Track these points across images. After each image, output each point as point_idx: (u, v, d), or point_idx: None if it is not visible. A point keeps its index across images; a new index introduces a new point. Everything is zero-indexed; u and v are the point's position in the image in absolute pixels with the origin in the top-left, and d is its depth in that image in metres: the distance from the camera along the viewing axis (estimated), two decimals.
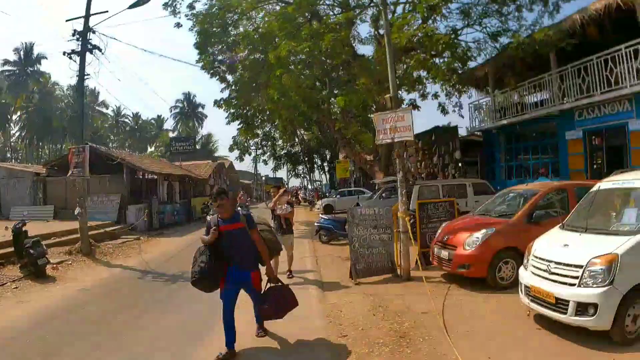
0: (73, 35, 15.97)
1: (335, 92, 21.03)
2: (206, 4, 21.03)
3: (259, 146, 50.06)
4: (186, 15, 21.24)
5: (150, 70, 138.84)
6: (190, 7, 20.91)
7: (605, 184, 6.82)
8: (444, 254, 8.70)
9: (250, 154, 49.04)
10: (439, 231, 9.48)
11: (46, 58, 62.66)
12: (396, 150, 9.68)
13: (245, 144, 47.44)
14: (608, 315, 5.15)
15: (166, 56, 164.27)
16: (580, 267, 5.41)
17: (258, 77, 20.14)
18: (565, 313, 5.45)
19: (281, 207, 10.16)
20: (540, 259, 6.10)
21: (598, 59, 14.58)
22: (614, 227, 6.00)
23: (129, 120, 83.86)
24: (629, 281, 5.21)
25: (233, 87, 23.28)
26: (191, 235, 21.21)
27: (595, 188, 6.90)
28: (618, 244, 5.38)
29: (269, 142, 50.26)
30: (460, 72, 19.28)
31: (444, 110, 23.14)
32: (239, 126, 25.98)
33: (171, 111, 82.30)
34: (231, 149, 49.04)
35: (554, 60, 16.96)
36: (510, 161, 21.53)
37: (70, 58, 16.27)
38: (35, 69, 61.12)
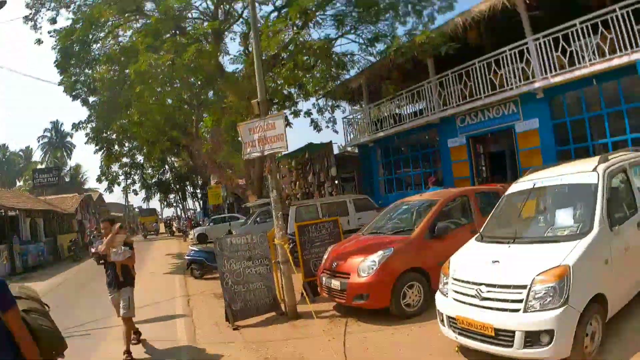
0: None
1: (204, 115, 19.77)
2: (69, 19, 18.04)
3: (128, 175, 46.52)
4: (48, 32, 17.98)
5: (17, 94, 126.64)
6: (52, 21, 17.85)
7: (520, 184, 5.78)
8: (335, 283, 7.08)
9: (119, 184, 45.71)
10: (326, 256, 7.89)
11: None
12: (267, 165, 8.03)
13: (114, 174, 44.48)
14: (566, 341, 4.03)
15: (30, 75, 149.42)
16: (523, 287, 4.21)
17: (118, 95, 17.81)
18: (511, 346, 4.19)
19: (116, 250, 6.89)
20: (464, 282, 4.75)
21: (480, 62, 14.19)
22: (550, 233, 4.92)
23: None
24: (585, 295, 4.18)
25: (92, 110, 20.42)
26: (56, 277, 18.40)
27: (510, 190, 5.84)
28: (564, 253, 4.27)
29: (138, 171, 47.09)
30: (335, 79, 18.52)
31: (317, 127, 21.99)
32: (101, 152, 23.07)
33: (39, 141, 74.60)
34: (99, 180, 45.08)
35: (432, 67, 16.51)
36: (389, 174, 20.82)
37: None
38: None
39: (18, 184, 71.09)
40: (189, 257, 13.68)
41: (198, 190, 51.13)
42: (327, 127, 23.18)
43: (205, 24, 17.56)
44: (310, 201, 17.75)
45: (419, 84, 17.13)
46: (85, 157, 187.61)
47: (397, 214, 8.66)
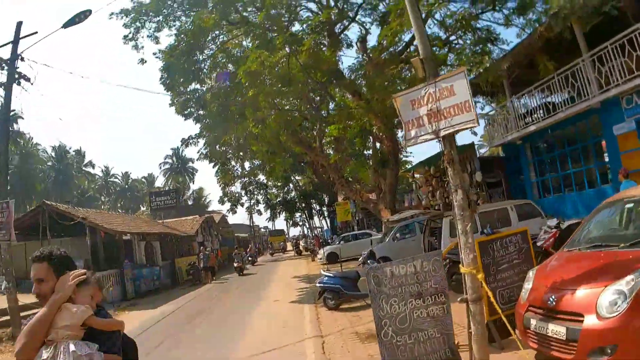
0: None
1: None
2: (171, 35, 17.44)
3: (251, 194, 46.72)
4: (154, 54, 17.47)
5: (136, 125, 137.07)
6: (155, 40, 17.19)
7: None
8: (556, 329, 4.59)
9: (242, 205, 46.14)
10: (529, 286, 5.42)
11: (22, 118, 59.52)
12: (446, 152, 5.14)
13: (236, 195, 45.00)
14: None
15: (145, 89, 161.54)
16: None
17: (230, 104, 16.90)
18: None
19: (77, 309, 2.69)
20: None
21: None
22: None
23: (119, 179, 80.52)
24: None
25: (202, 122, 19.61)
26: (167, 305, 17.48)
27: None
28: None
29: (261, 190, 47.17)
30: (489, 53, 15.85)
31: None
32: (216, 169, 22.39)
33: (160, 168, 79.22)
34: (221, 201, 46.27)
35: (584, 42, 13.59)
36: (542, 175, 17.99)
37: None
38: (13, 129, 57.30)
39: (142, 208, 75.26)
40: (321, 285, 11.80)
41: (324, 208, 50.20)
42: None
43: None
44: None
45: (572, 64, 14.07)
46: (208, 181, 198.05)
47: (622, 217, 5.84)
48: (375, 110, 15.48)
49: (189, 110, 18.62)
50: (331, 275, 11.90)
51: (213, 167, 22.22)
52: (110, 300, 18.49)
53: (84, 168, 70.26)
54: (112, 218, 24.39)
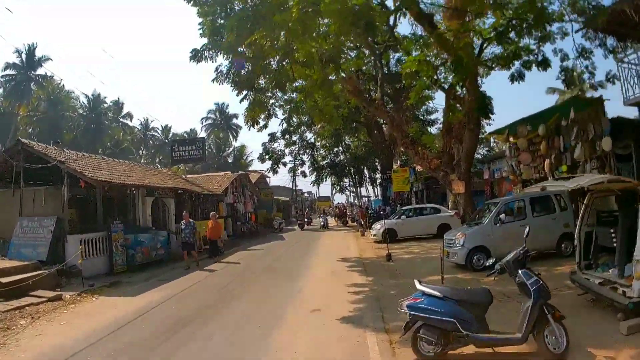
0: None
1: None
2: None
3: (297, 153, 41.44)
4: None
5: (178, 79, 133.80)
6: None
7: None
8: None
9: (285, 165, 41.01)
10: None
11: (50, 59, 55.07)
12: None
13: (279, 152, 39.69)
14: None
15: None
16: None
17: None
18: None
19: None
20: None
21: None
22: None
23: (159, 133, 76.20)
24: None
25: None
26: (158, 290, 12.37)
27: None
28: None
29: (308, 150, 41.82)
30: None
31: (566, 76, 16.79)
32: (243, 99, 16.22)
33: (202, 123, 74.73)
34: (262, 159, 41.17)
35: None
36: None
37: None
38: (40, 72, 52.99)
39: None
40: (412, 313, 5.60)
41: (378, 175, 44.16)
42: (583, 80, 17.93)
43: None
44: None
45: None
46: (252, 139, 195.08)
47: None
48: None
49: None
50: (436, 294, 5.68)
51: (237, 95, 15.43)
52: (90, 274, 13.60)
53: (121, 119, 65.85)
54: (110, 165, 18.97)
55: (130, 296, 11.72)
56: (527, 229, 5.97)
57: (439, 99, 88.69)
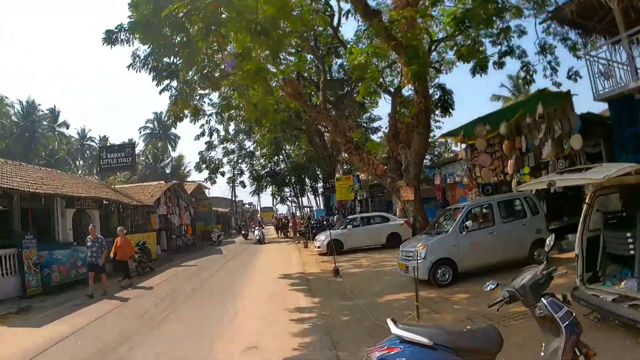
0: None
1: None
2: None
3: (235, 162, 39.99)
4: None
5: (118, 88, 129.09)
6: None
7: None
8: None
9: (223, 175, 39.26)
10: None
11: None
12: None
13: (216, 161, 37.78)
14: None
15: None
16: None
17: None
18: None
19: None
20: None
21: None
22: None
23: (96, 143, 72.47)
24: None
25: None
26: (69, 320, 10.26)
27: None
28: None
29: (247, 159, 40.44)
30: None
31: (527, 73, 16.62)
32: (164, 90, 13.60)
33: (140, 132, 71.60)
34: (198, 168, 39.19)
35: None
36: None
37: None
38: None
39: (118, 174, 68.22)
40: None
41: (320, 184, 43.04)
42: (545, 76, 16.51)
43: None
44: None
45: None
46: (191, 149, 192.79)
47: None
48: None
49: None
50: (423, 342, 3.49)
51: (157, 85, 12.83)
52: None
53: (57, 128, 62.58)
54: (28, 172, 16.69)
55: (35, 327, 9.69)
56: (549, 238, 4.21)
57: (382, 107, 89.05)
